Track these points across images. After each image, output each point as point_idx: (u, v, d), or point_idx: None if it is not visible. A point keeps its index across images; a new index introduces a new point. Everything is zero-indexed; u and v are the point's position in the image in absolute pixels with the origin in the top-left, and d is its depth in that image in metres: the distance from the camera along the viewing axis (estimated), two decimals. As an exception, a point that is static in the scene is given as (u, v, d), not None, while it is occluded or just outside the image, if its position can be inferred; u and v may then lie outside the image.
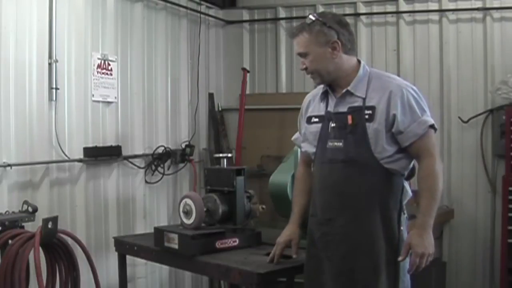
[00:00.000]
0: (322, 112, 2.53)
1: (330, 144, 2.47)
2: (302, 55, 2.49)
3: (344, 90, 2.46)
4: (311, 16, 2.47)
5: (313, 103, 2.62)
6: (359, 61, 2.53)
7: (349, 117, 2.41)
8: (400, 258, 2.32)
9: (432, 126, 2.38)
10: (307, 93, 2.71)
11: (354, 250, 2.39)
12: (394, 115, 2.34)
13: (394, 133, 2.36)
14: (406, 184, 2.48)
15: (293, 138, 2.84)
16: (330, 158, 2.46)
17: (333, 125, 2.47)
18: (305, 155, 2.71)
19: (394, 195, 2.40)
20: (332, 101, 2.51)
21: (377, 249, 2.36)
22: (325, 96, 2.56)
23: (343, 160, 2.41)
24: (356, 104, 2.42)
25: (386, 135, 2.36)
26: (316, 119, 2.55)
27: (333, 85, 2.52)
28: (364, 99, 2.41)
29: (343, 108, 2.45)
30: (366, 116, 2.38)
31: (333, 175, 2.45)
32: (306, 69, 2.50)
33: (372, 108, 2.38)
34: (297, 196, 2.78)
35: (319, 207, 2.53)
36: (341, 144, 2.43)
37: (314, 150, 2.55)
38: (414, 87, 2.45)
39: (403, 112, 2.35)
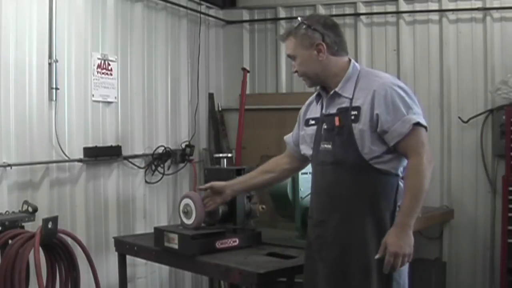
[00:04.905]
0: (318, 114, 2.55)
1: (322, 146, 2.48)
2: (291, 58, 2.52)
3: (332, 92, 2.47)
4: (299, 19, 2.50)
5: (312, 105, 2.64)
6: (350, 60, 2.52)
7: (336, 119, 2.41)
8: (376, 256, 2.28)
9: (418, 124, 2.30)
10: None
11: (345, 252, 2.38)
12: (377, 115, 2.31)
13: (379, 133, 2.33)
14: (402, 184, 2.42)
15: (285, 137, 2.88)
16: (322, 160, 2.47)
17: (324, 127, 2.48)
18: (290, 150, 2.81)
19: (386, 195, 2.36)
20: (325, 103, 2.52)
21: (368, 250, 2.33)
22: (319, 98, 2.57)
23: (332, 162, 2.42)
24: (344, 105, 2.41)
25: (372, 136, 2.33)
26: (313, 122, 2.56)
27: (325, 87, 2.52)
28: (351, 100, 2.39)
29: (333, 110, 2.45)
30: (352, 117, 2.36)
31: (325, 177, 2.46)
32: (297, 71, 2.53)
33: (358, 108, 2.36)
34: (254, 170, 2.95)
35: (314, 209, 2.55)
36: (330, 146, 2.43)
37: (311, 152, 2.56)
38: (402, 84, 2.39)
39: (387, 112, 2.30)
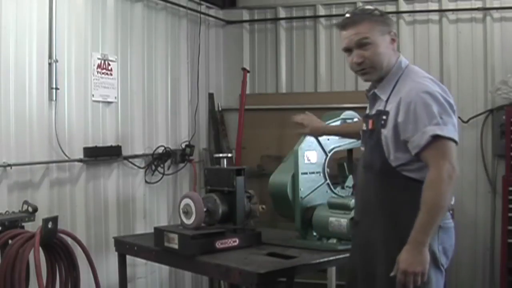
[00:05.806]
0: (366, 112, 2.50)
1: (362, 147, 2.46)
2: (362, 45, 2.30)
3: (371, 92, 2.40)
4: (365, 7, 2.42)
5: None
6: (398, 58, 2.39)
7: (370, 122, 2.34)
8: (391, 274, 2.18)
9: (438, 136, 2.14)
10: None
11: (373, 257, 2.33)
12: (399, 124, 2.21)
13: (403, 142, 2.22)
14: None
15: None
16: (360, 162, 2.46)
17: (364, 128, 2.44)
18: None
19: (416, 204, 2.15)
20: (370, 102, 2.46)
21: (393, 259, 2.19)
22: None
23: (363, 165, 2.39)
24: (380, 108, 2.32)
25: (396, 143, 2.23)
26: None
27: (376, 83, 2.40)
28: (385, 103, 2.30)
29: (373, 111, 2.37)
30: (382, 122, 2.26)
31: (359, 179, 2.46)
32: (361, 63, 2.33)
33: (387, 113, 2.26)
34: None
35: (355, 209, 2.57)
36: (363, 148, 2.41)
37: None
38: (433, 90, 2.20)
39: (408, 121, 2.19)
